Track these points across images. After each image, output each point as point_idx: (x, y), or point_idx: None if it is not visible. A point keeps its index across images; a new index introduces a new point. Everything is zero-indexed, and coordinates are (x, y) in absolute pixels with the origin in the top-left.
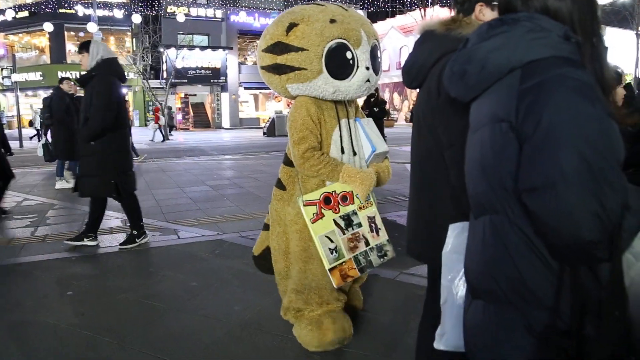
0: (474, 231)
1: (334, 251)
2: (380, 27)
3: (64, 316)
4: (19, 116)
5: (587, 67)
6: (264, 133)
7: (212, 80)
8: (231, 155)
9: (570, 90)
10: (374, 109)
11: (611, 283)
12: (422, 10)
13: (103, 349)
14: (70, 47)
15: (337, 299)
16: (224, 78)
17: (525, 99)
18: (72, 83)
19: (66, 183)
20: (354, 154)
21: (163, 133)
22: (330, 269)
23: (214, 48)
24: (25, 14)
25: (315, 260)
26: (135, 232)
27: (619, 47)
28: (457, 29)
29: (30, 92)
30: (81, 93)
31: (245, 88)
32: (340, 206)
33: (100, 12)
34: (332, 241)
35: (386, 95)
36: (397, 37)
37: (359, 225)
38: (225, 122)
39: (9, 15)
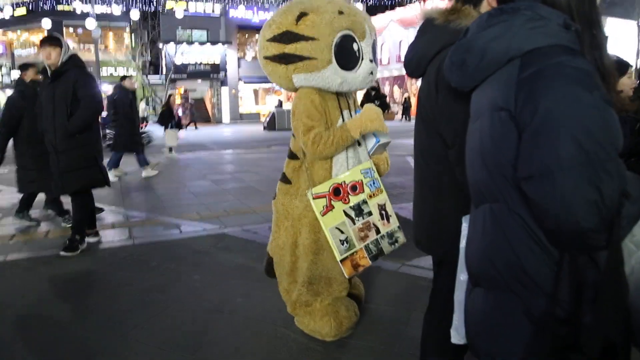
0: (475, 220)
1: (344, 242)
2: (380, 20)
3: (67, 310)
4: None
5: (587, 55)
6: (265, 127)
7: (211, 75)
8: (232, 150)
9: (568, 79)
10: (375, 102)
11: (608, 270)
12: (422, 2)
13: (106, 342)
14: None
15: (345, 288)
16: (223, 73)
17: (524, 88)
18: (134, 81)
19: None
20: (358, 144)
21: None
22: (342, 260)
23: (213, 43)
24: (23, 11)
25: (326, 251)
26: (77, 237)
27: (621, 37)
28: (456, 20)
29: None
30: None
31: (245, 82)
32: (350, 196)
33: (99, 9)
34: (342, 232)
35: (386, 89)
36: (397, 30)
37: (369, 213)
38: (226, 117)
39: (7, 12)
